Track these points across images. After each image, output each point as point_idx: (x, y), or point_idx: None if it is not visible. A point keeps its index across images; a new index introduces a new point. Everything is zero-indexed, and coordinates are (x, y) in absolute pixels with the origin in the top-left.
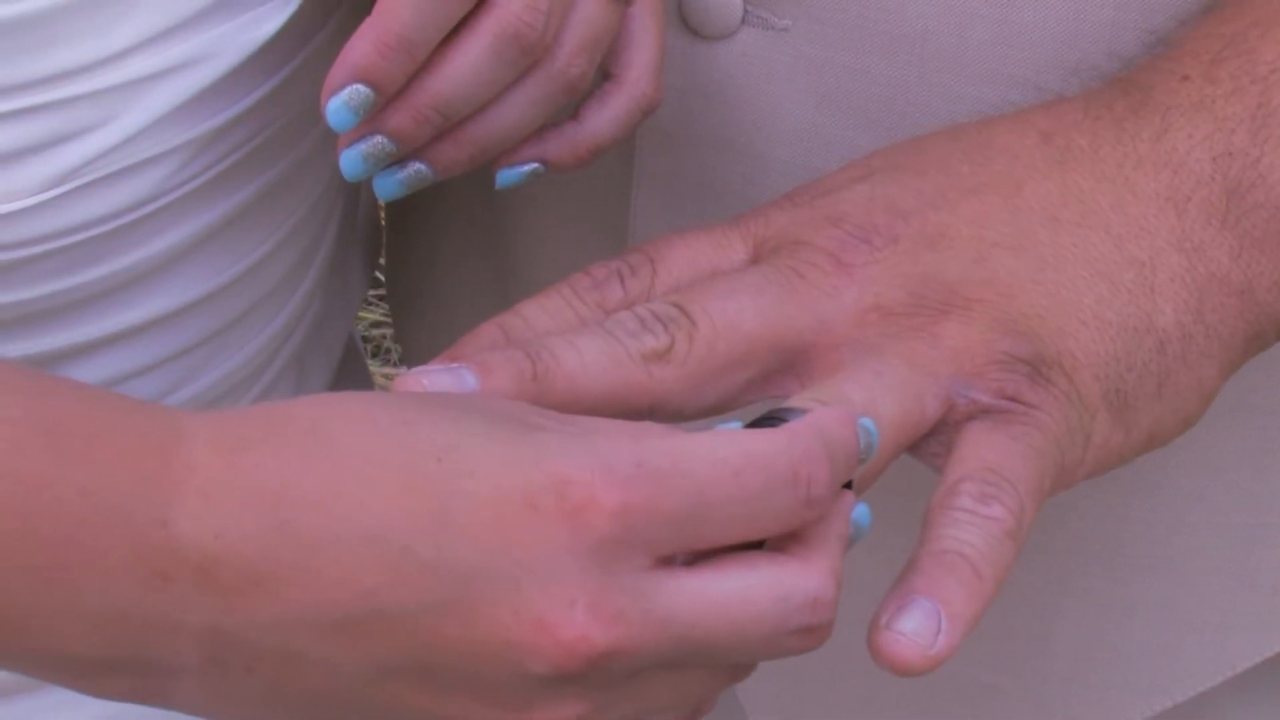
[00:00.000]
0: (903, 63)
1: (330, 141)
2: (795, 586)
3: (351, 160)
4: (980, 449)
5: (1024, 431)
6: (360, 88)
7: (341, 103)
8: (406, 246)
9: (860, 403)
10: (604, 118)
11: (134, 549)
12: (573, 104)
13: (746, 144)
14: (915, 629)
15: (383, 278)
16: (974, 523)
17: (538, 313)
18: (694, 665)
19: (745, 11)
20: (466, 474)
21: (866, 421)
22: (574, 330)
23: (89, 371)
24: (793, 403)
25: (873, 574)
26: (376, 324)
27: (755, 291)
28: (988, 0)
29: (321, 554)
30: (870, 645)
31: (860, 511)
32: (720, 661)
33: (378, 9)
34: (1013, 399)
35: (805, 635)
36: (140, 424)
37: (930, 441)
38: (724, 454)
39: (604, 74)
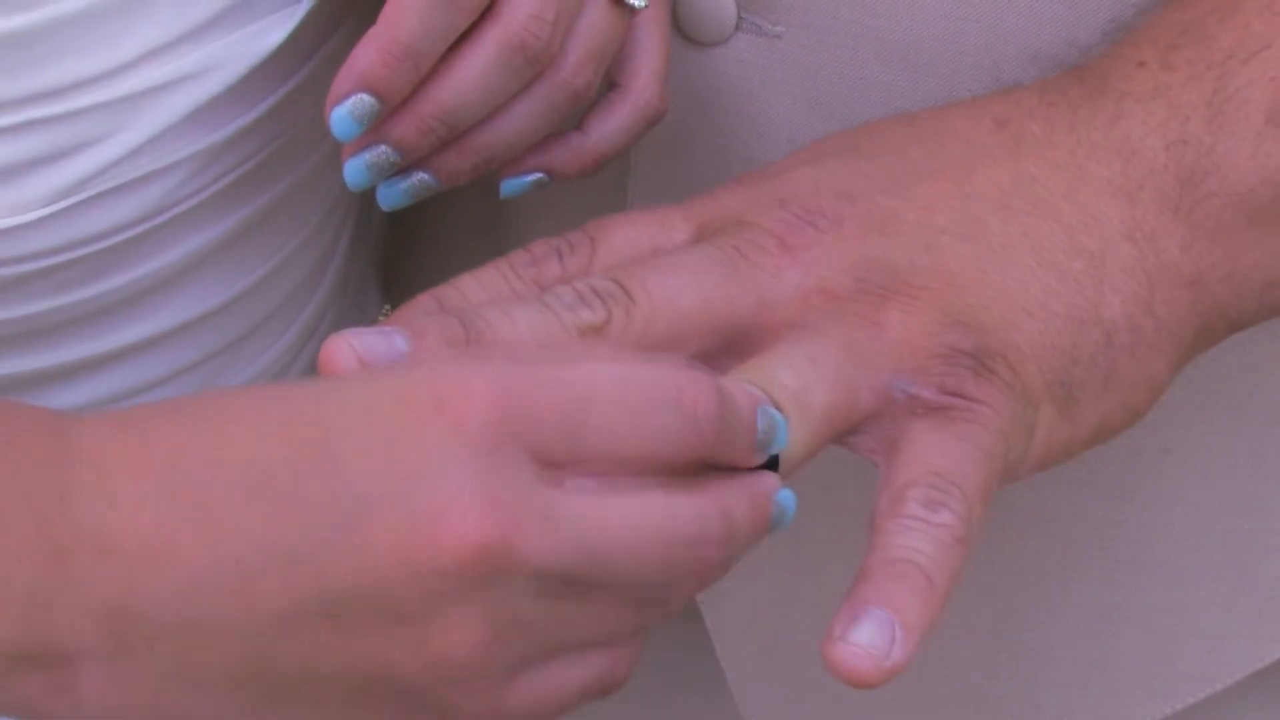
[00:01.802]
0: (896, 68)
1: (339, 153)
2: (685, 503)
3: (355, 170)
4: (926, 452)
5: (969, 430)
6: (365, 97)
7: (346, 112)
8: (402, 245)
9: (792, 388)
10: (609, 127)
11: (35, 526)
12: (578, 113)
13: (740, 149)
14: (870, 640)
15: None
16: (924, 530)
17: (473, 286)
18: (598, 591)
19: (739, 18)
20: (341, 391)
21: (771, 410)
22: (510, 302)
23: (96, 387)
24: (721, 382)
25: (840, 579)
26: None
27: (696, 269)
28: (980, 6)
29: (213, 510)
30: (824, 657)
31: (785, 496)
32: (621, 585)
33: (383, 18)
34: (955, 394)
35: (698, 560)
36: (40, 413)
37: (865, 436)
38: (606, 372)
39: (609, 83)
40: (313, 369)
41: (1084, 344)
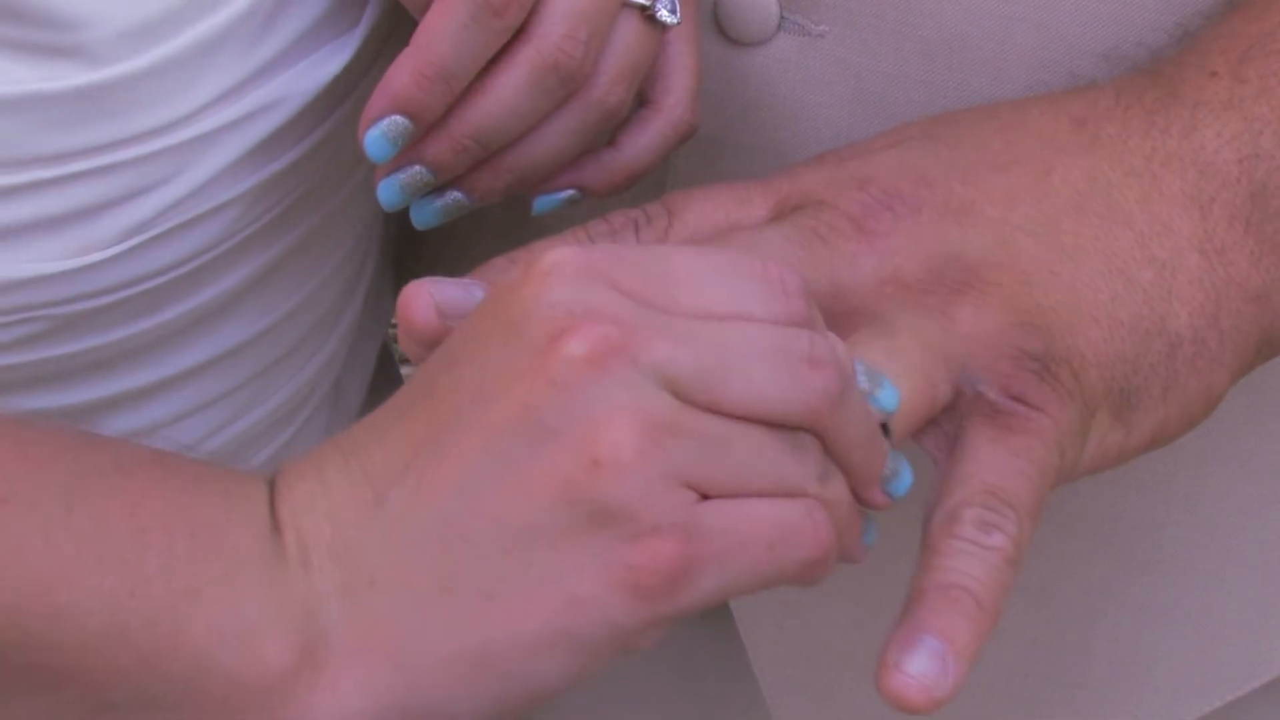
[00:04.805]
0: (941, 67)
1: (373, 177)
2: (797, 330)
3: (389, 190)
4: (983, 468)
5: (1026, 445)
6: (398, 119)
7: (380, 133)
8: (422, 248)
9: None
10: (641, 144)
11: None
12: (610, 130)
13: (782, 150)
14: (922, 670)
15: None
16: (976, 553)
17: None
18: (735, 405)
19: (781, 18)
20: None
21: (871, 368)
22: None
23: (152, 411)
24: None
25: (873, 581)
26: None
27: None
28: (1028, 4)
29: None
30: (878, 683)
31: (903, 465)
32: (752, 400)
33: (416, 39)
34: (1018, 398)
35: (819, 387)
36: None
37: (933, 430)
38: (686, 249)
39: (641, 100)
40: (339, 379)
41: (1147, 354)
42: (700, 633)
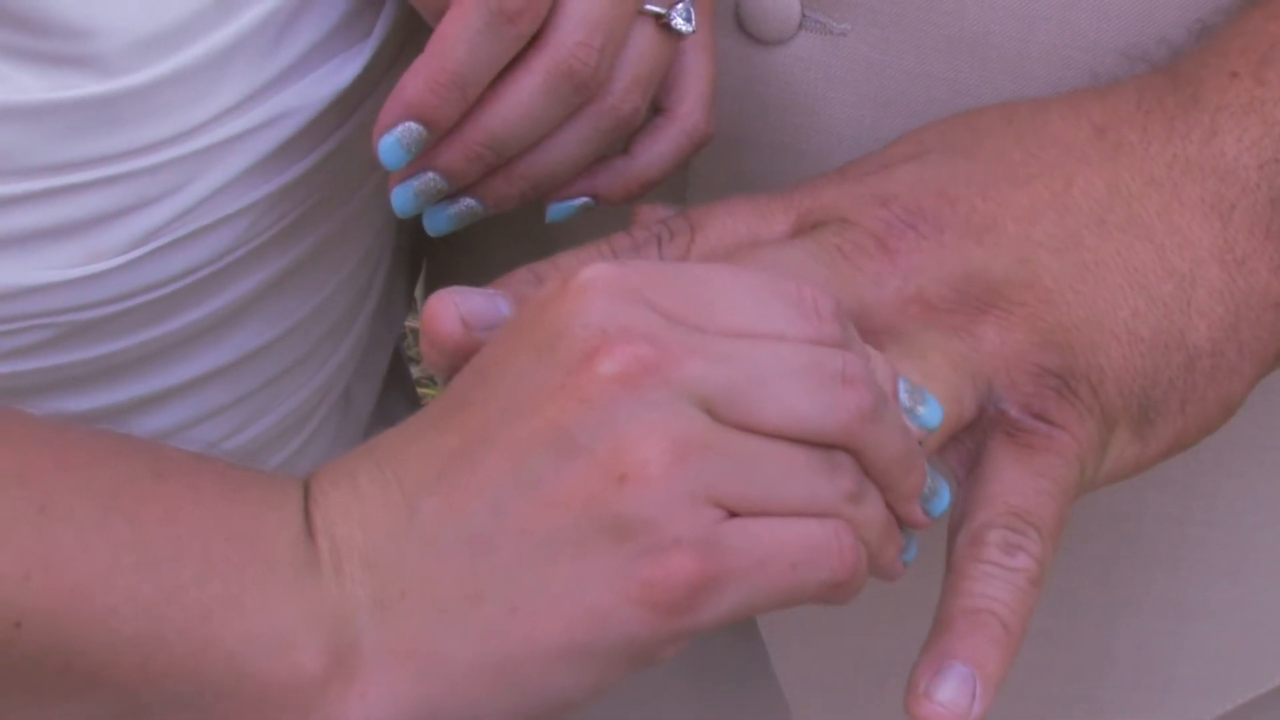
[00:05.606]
0: (963, 65)
1: (385, 184)
2: (830, 349)
3: (403, 197)
4: (1006, 488)
5: (1048, 464)
6: (412, 125)
7: (394, 140)
8: (447, 254)
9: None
10: (655, 152)
11: None
12: (624, 137)
13: (803, 148)
14: (952, 698)
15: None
16: (1001, 576)
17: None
18: (766, 422)
19: (803, 16)
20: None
21: (915, 386)
22: None
23: (161, 418)
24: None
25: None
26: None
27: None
28: (1050, 2)
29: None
30: (908, 709)
31: (942, 485)
32: (783, 416)
33: (430, 46)
34: (1039, 416)
35: (851, 404)
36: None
37: (954, 445)
38: (720, 267)
39: (655, 107)
40: (348, 387)
41: (1165, 369)
42: (721, 632)
